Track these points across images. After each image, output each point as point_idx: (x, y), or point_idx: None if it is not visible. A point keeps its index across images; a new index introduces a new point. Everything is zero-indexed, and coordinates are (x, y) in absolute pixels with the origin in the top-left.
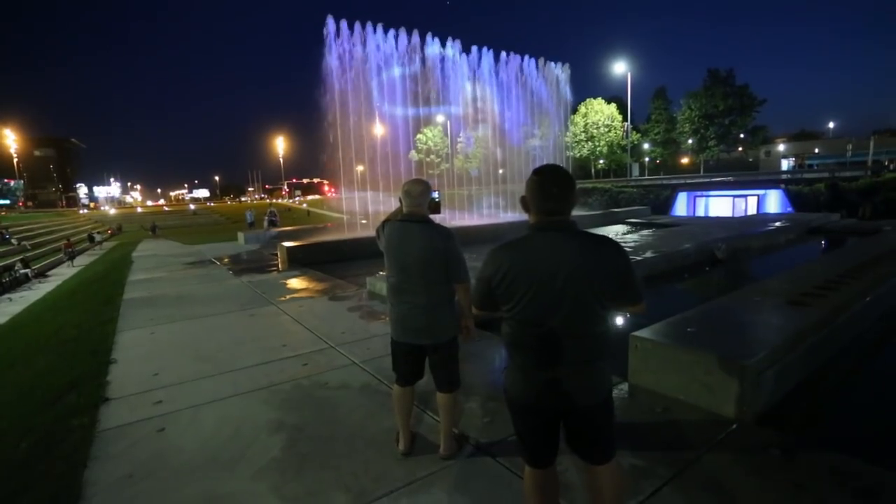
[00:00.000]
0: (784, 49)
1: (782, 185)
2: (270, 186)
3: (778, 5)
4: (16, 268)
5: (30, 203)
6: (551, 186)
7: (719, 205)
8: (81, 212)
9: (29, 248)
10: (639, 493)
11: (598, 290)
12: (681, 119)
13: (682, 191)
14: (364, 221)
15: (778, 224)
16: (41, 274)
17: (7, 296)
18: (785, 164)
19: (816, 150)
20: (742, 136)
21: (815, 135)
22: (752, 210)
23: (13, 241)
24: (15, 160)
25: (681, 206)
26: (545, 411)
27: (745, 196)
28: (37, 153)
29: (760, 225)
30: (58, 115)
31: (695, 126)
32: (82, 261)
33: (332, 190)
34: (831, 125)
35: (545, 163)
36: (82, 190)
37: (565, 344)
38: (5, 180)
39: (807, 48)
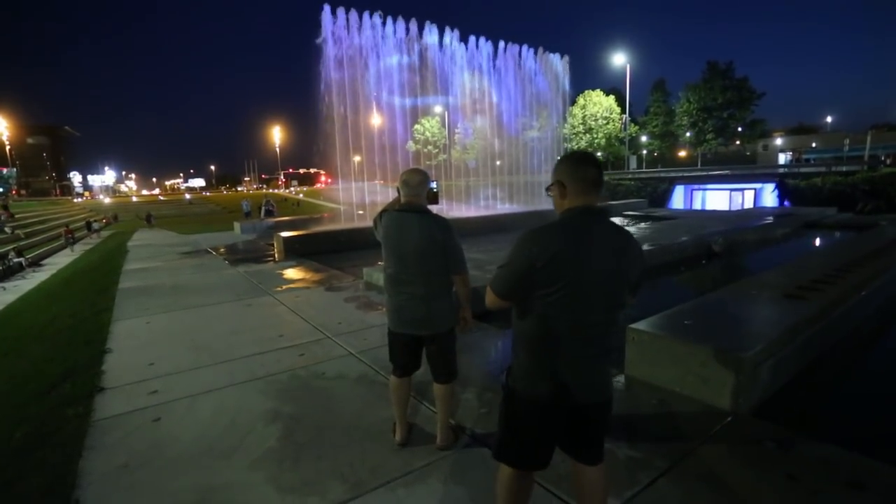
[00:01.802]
0: (783, 44)
1: (779, 179)
2: (267, 176)
3: (777, 0)
4: (9, 256)
5: (23, 192)
6: (592, 169)
7: (716, 198)
8: (76, 200)
9: (22, 236)
10: (635, 484)
11: (628, 282)
12: (679, 112)
13: (679, 184)
14: (361, 212)
15: (774, 218)
16: (35, 263)
17: (1, 285)
18: (782, 158)
19: (814, 145)
20: (740, 129)
21: (813, 129)
22: (748, 204)
23: (6, 229)
24: (7, 148)
25: (678, 200)
26: (564, 408)
27: (742, 190)
28: (29, 141)
29: (757, 219)
30: (50, 103)
31: (693, 119)
32: (79, 249)
33: (329, 180)
34: (829, 119)
35: (543, 154)
36: (76, 178)
37: (596, 335)
38: None
39: (806, 43)
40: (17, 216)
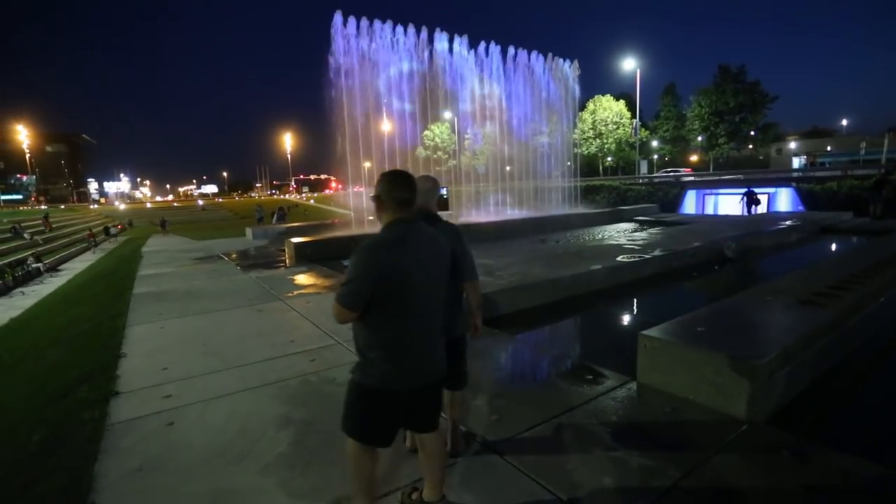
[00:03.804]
0: (796, 47)
1: (793, 184)
2: (278, 182)
3: (790, 3)
4: (28, 262)
5: (42, 198)
6: (405, 191)
7: (729, 203)
8: (92, 207)
9: (41, 242)
10: (648, 493)
11: (448, 272)
12: (690, 116)
13: (691, 188)
14: (371, 218)
15: (789, 223)
16: (53, 268)
17: (20, 289)
18: (796, 162)
19: (829, 148)
20: (753, 133)
21: (828, 132)
22: (762, 208)
23: (25, 235)
24: (27, 156)
25: (690, 204)
26: (408, 393)
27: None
28: (48, 149)
29: (771, 223)
30: (69, 111)
31: (705, 123)
32: (99, 252)
33: (339, 186)
34: (844, 123)
35: (553, 160)
36: (93, 185)
37: (432, 325)
38: (18, 175)
39: (820, 46)
40: (36, 223)
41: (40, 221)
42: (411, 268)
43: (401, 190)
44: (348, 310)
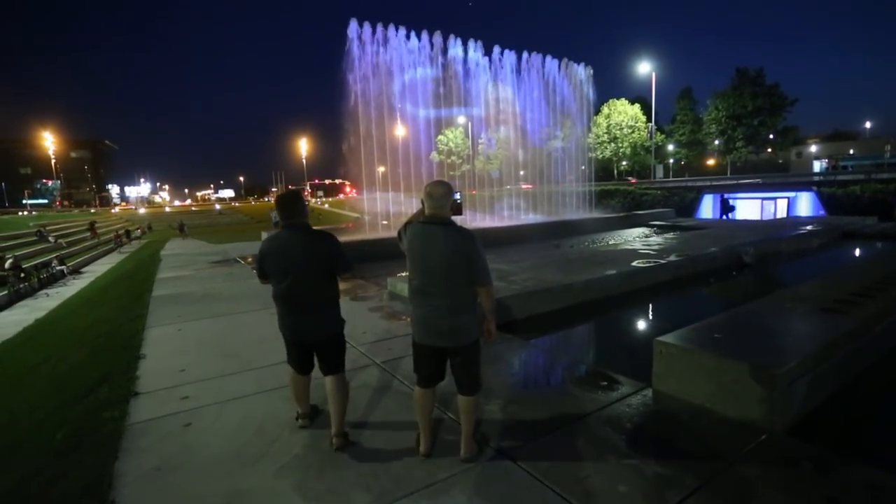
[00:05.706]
0: (817, 48)
1: (814, 188)
2: (294, 187)
3: (810, 5)
4: (52, 264)
5: (66, 202)
6: (283, 204)
7: (747, 208)
8: (114, 211)
9: (65, 245)
10: (663, 503)
11: (324, 263)
12: (707, 120)
13: (707, 193)
14: (385, 222)
15: (809, 228)
16: (76, 270)
17: (45, 291)
18: (817, 166)
19: (852, 151)
20: (771, 136)
21: (851, 135)
22: (781, 213)
23: (50, 238)
24: (53, 161)
25: (707, 209)
26: (299, 343)
27: (775, 199)
28: (73, 154)
29: (791, 228)
30: (91, 116)
31: (722, 127)
32: (116, 257)
33: (354, 191)
34: (868, 125)
35: (566, 164)
36: (114, 190)
37: (304, 297)
38: (44, 181)
39: (841, 45)
40: (60, 226)
41: (86, 227)
42: (275, 257)
43: (280, 211)
44: (258, 277)
